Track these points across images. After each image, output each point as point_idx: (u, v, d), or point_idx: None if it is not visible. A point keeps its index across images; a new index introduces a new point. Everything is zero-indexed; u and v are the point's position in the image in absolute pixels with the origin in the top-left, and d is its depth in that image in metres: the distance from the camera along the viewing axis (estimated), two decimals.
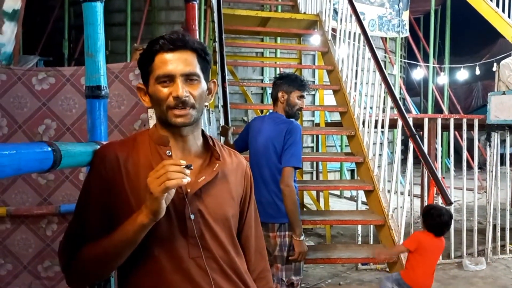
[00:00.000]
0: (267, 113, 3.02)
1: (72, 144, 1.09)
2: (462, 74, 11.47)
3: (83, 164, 1.15)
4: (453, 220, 3.07)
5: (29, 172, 0.88)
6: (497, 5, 7.22)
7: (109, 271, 1.17)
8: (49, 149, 0.95)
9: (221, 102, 3.74)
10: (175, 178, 1.00)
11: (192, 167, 1.05)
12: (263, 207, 2.59)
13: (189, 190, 1.14)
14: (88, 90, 1.38)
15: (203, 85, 1.17)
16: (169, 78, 1.12)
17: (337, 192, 8.97)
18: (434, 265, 2.94)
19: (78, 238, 1.14)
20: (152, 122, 2.05)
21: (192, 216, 1.13)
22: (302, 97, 2.82)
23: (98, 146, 1.22)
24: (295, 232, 2.62)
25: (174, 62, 1.12)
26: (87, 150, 1.17)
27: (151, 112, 2.07)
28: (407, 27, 9.94)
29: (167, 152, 1.16)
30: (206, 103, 1.21)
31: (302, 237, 2.63)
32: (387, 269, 3.68)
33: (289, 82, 2.78)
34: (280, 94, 2.78)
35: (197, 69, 1.15)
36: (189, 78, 1.13)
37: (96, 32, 1.37)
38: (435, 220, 2.94)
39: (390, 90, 3.87)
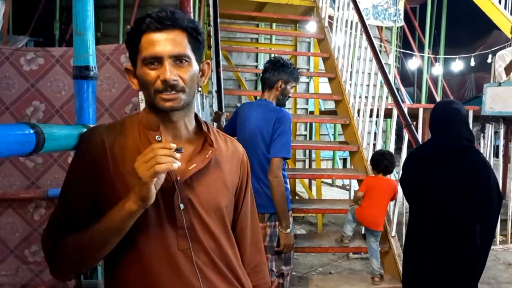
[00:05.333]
0: (256, 100, 2.96)
1: (57, 127, 1.03)
2: (457, 65, 11.41)
3: (68, 148, 1.10)
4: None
5: (8, 155, 0.82)
6: None
7: (95, 261, 1.11)
8: (31, 131, 0.89)
9: (214, 88, 3.70)
10: (165, 162, 0.95)
11: (182, 151, 0.99)
12: None
13: (179, 178, 1.08)
14: (76, 70, 1.32)
15: (195, 67, 1.09)
16: (157, 60, 1.05)
17: (329, 181, 8.97)
18: (382, 204, 3.38)
19: (62, 226, 1.09)
20: (143, 105, 2.00)
21: (181, 206, 1.07)
22: (293, 86, 2.85)
23: (85, 129, 1.17)
24: (282, 224, 2.58)
25: (161, 42, 1.04)
26: (73, 134, 1.11)
27: (142, 96, 2.02)
28: (402, 16, 9.88)
29: (157, 137, 1.10)
30: (200, 87, 1.15)
31: (289, 230, 2.59)
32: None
33: (289, 72, 2.74)
34: (279, 83, 2.73)
35: (187, 50, 1.07)
36: (178, 59, 1.06)
37: (85, 9, 1.31)
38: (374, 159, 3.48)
39: (386, 80, 3.83)
